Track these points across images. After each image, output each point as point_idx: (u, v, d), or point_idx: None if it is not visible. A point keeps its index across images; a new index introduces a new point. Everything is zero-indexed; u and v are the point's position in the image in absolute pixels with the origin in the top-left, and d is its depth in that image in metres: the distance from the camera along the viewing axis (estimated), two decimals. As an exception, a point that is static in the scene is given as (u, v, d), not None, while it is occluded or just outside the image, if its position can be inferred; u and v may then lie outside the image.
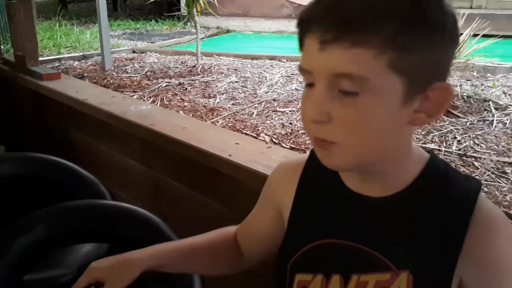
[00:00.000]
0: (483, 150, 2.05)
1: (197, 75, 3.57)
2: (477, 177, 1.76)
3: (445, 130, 2.30)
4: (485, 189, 1.65)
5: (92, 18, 8.34)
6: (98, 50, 4.45)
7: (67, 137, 2.32)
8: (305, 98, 0.56)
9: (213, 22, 7.77)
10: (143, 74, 3.65)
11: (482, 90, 3.01)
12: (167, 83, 3.30)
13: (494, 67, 3.57)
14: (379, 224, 0.61)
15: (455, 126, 2.37)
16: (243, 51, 4.94)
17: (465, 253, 0.56)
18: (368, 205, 0.62)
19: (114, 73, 3.68)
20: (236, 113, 2.62)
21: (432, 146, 2.11)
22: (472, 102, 2.73)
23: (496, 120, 2.45)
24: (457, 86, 2.92)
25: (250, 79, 3.47)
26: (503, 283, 0.55)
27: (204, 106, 2.76)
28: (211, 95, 3.02)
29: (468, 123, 2.41)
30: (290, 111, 2.61)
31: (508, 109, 2.61)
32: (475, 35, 3.19)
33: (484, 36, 3.27)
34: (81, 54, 4.51)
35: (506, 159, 1.93)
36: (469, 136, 2.22)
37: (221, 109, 2.69)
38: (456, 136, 2.23)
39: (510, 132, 2.30)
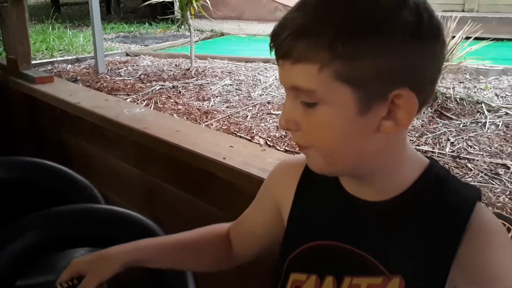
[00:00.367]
0: (476, 152, 2.06)
1: (191, 78, 3.57)
2: (470, 178, 1.77)
3: (439, 132, 2.31)
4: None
5: (85, 21, 8.32)
6: (92, 53, 4.44)
7: (60, 141, 2.30)
8: None
9: (207, 25, 7.78)
10: (137, 77, 3.64)
11: (475, 92, 3.03)
12: (160, 86, 3.30)
13: (486, 70, 3.60)
14: (375, 228, 0.61)
15: (448, 128, 2.38)
16: (237, 54, 4.94)
17: (459, 261, 0.55)
18: (364, 208, 0.62)
19: (107, 76, 3.66)
20: (230, 116, 2.62)
21: (425, 148, 2.12)
22: (465, 104, 2.75)
23: (489, 122, 2.47)
24: (449, 88, 2.94)
25: (244, 82, 3.48)
26: None
27: (198, 109, 2.76)
28: (205, 98, 3.02)
29: (461, 125, 2.43)
30: (284, 113, 2.62)
31: (501, 111, 2.63)
32: (467, 38, 3.22)
33: (476, 38, 3.30)
34: (74, 57, 4.49)
35: (499, 161, 1.95)
36: (462, 138, 2.24)
37: (215, 112, 2.68)
38: (449, 138, 2.24)
39: (502, 134, 2.32)
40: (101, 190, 1.52)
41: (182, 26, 6.82)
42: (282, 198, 0.74)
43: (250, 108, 2.79)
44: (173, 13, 6.83)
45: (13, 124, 2.65)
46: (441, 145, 2.16)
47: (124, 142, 1.82)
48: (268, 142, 2.16)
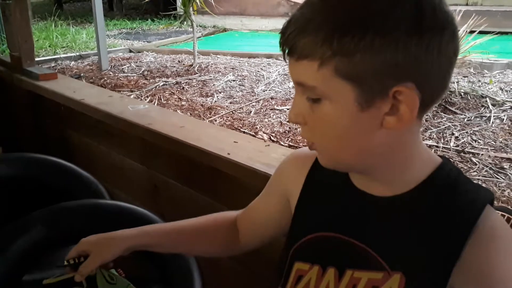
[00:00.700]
0: (481, 146, 2.06)
1: (194, 74, 3.57)
2: (475, 173, 1.77)
3: (443, 127, 2.31)
4: (483, 185, 1.66)
5: (88, 18, 8.32)
6: (95, 50, 4.44)
7: (64, 137, 2.31)
8: None
9: (210, 21, 7.77)
10: (140, 74, 3.64)
11: (479, 86, 3.01)
12: (164, 82, 3.30)
13: (490, 64, 3.58)
14: (380, 223, 0.61)
15: (452, 122, 2.37)
16: (240, 50, 4.93)
17: (462, 264, 0.54)
18: (371, 203, 0.62)
19: (110, 73, 3.67)
20: (234, 111, 2.62)
21: (430, 142, 2.12)
22: (469, 98, 2.74)
23: (494, 116, 2.45)
24: (454, 82, 2.93)
25: (248, 77, 3.47)
26: None
27: (201, 105, 2.76)
28: (209, 93, 3.02)
29: (465, 120, 2.42)
30: (287, 109, 2.61)
31: (505, 105, 2.62)
32: (471, 32, 3.20)
33: (481, 32, 3.27)
34: (78, 54, 4.50)
35: (504, 155, 1.94)
36: (466, 132, 2.23)
37: (219, 108, 2.69)
38: (453, 132, 2.24)
39: (507, 128, 2.31)
40: (105, 186, 1.52)
41: (185, 22, 6.82)
42: (291, 188, 0.74)
43: (253, 103, 2.79)
44: (175, 9, 6.82)
45: (17, 120, 2.66)
46: (446, 139, 2.15)
47: (128, 138, 1.82)
48: (272, 138, 2.16)
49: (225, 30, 7.81)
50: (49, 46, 5.16)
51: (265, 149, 1.35)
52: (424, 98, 0.52)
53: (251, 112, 2.62)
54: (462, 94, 2.79)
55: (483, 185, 1.64)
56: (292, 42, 0.53)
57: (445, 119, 2.43)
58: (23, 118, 2.60)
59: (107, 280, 0.78)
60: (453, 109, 2.59)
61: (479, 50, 3.25)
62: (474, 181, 0.63)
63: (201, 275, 1.08)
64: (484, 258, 0.53)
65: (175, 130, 1.54)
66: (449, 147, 2.05)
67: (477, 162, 1.87)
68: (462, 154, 1.96)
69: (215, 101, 2.86)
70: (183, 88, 3.19)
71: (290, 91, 2.95)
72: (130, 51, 4.97)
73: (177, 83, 3.32)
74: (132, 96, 2.93)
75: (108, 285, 0.79)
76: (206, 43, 6.22)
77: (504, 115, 2.47)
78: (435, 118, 2.43)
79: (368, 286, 0.60)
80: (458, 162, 1.87)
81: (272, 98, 2.90)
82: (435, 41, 0.50)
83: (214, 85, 3.25)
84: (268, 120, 2.45)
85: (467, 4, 7.10)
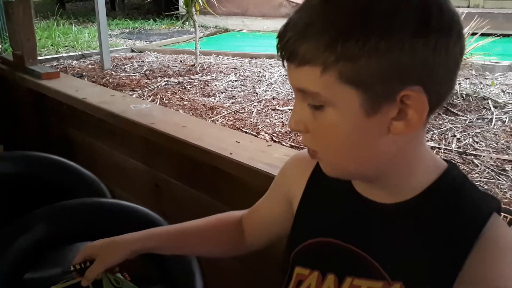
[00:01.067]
0: (483, 148, 2.06)
1: (196, 74, 3.57)
2: (477, 174, 1.77)
3: (445, 128, 2.31)
4: (485, 187, 1.66)
5: (90, 17, 8.33)
6: (97, 49, 4.44)
7: (67, 136, 2.31)
8: None
9: (212, 21, 7.77)
10: (142, 73, 3.64)
11: (481, 88, 3.01)
12: (166, 82, 3.30)
13: (492, 66, 3.58)
14: (381, 230, 0.60)
15: (454, 124, 2.37)
16: (242, 50, 4.94)
17: (465, 274, 0.52)
18: (374, 210, 0.60)
19: (113, 72, 3.67)
20: (235, 111, 2.62)
21: (431, 144, 2.12)
22: (471, 100, 2.74)
23: (495, 118, 2.45)
24: (456, 84, 2.93)
25: (249, 78, 3.47)
26: None
27: (203, 104, 2.76)
28: (211, 93, 3.02)
29: (467, 121, 2.42)
30: (289, 109, 2.61)
31: (507, 107, 2.62)
32: (473, 34, 3.20)
33: (483, 35, 3.27)
34: (80, 53, 4.50)
35: (506, 157, 1.94)
36: (468, 134, 2.23)
37: (221, 108, 2.69)
38: (455, 134, 2.23)
39: (509, 130, 2.31)
40: (107, 185, 1.53)
41: (187, 22, 6.82)
42: (293, 190, 0.74)
43: (255, 104, 2.79)
44: (177, 9, 6.83)
45: (19, 119, 2.66)
46: (447, 141, 2.15)
47: (130, 137, 1.82)
48: (274, 138, 2.16)
49: (226, 30, 7.81)
50: (52, 45, 5.17)
51: (267, 149, 1.36)
52: (431, 101, 0.50)
53: (253, 112, 2.62)
54: (464, 96, 2.79)
55: (485, 187, 1.64)
56: (292, 47, 0.50)
57: (446, 120, 2.43)
58: (25, 116, 2.60)
59: (113, 284, 0.79)
60: (455, 110, 2.59)
61: (481, 52, 3.25)
62: (480, 188, 0.61)
63: (203, 275, 1.08)
64: (489, 268, 0.52)
65: (177, 129, 1.54)
66: (450, 148, 2.05)
67: (479, 164, 1.87)
68: (463, 155, 1.96)
69: (217, 101, 2.86)
70: (185, 88, 3.19)
71: (291, 92, 2.94)
72: (132, 51, 4.98)
73: (179, 83, 3.32)
74: (134, 96, 2.93)
75: None
76: (207, 43, 6.23)
77: (506, 117, 2.47)
78: (437, 119, 2.43)
79: None
80: (460, 164, 1.87)
81: (273, 99, 2.91)
82: (442, 41, 0.48)
83: (216, 85, 3.25)
84: (270, 121, 2.45)
85: (468, 6, 7.10)
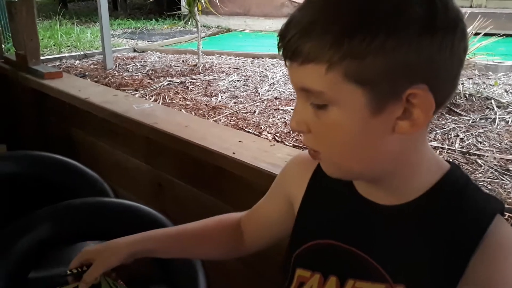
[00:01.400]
0: (486, 148, 2.05)
1: (199, 74, 3.57)
2: (480, 174, 1.76)
3: (448, 128, 2.30)
4: (489, 187, 1.65)
5: (92, 17, 8.34)
6: (99, 49, 4.44)
7: (69, 136, 2.31)
8: None
9: (214, 21, 7.77)
10: (145, 73, 3.65)
11: (484, 88, 3.00)
12: (168, 82, 3.30)
13: (495, 66, 3.57)
14: (383, 232, 0.59)
15: (457, 124, 2.37)
16: (244, 50, 4.93)
17: (468, 276, 0.51)
18: (375, 212, 0.60)
19: (115, 72, 3.67)
20: (238, 111, 2.62)
21: (435, 144, 2.11)
22: (474, 100, 2.73)
23: (499, 118, 2.45)
24: (459, 84, 2.92)
25: (252, 77, 3.47)
26: None
27: (206, 104, 2.76)
28: (213, 93, 3.02)
29: (470, 121, 2.41)
30: (292, 109, 2.61)
31: (510, 107, 2.61)
32: (476, 34, 3.19)
33: (486, 34, 3.26)
34: (82, 53, 4.51)
35: (509, 157, 1.93)
36: (471, 134, 2.22)
37: (223, 108, 2.69)
38: (458, 134, 2.23)
39: (512, 130, 2.30)
40: (110, 185, 1.53)
41: (189, 22, 6.82)
42: (294, 191, 0.73)
43: (257, 103, 2.79)
44: (179, 9, 6.83)
45: (22, 119, 2.67)
46: (451, 141, 2.15)
47: (133, 137, 1.83)
48: (277, 138, 2.16)
49: (229, 30, 7.81)
50: (54, 45, 5.17)
51: (270, 148, 1.36)
52: (436, 100, 0.50)
53: (255, 112, 2.62)
54: (467, 95, 2.78)
55: (489, 187, 1.64)
56: (295, 45, 0.50)
57: (449, 120, 2.43)
58: (28, 116, 2.61)
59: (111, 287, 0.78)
60: (458, 110, 2.58)
61: (484, 52, 3.24)
62: (484, 189, 0.61)
63: (206, 275, 1.07)
64: (493, 270, 0.51)
65: (180, 129, 1.54)
66: (454, 148, 2.05)
67: (482, 164, 1.86)
68: (467, 155, 1.96)
69: (220, 101, 2.86)
70: (188, 87, 3.19)
71: (294, 92, 2.94)
72: (135, 51, 4.98)
73: (181, 82, 3.32)
74: (136, 95, 2.93)
75: None
76: (210, 43, 6.23)
77: (509, 117, 2.46)
78: (440, 119, 2.42)
79: None
80: (463, 164, 1.87)
81: (276, 98, 2.90)
82: (448, 39, 0.48)
83: (218, 85, 3.25)
84: (273, 120, 2.45)
85: (471, 6, 7.08)
